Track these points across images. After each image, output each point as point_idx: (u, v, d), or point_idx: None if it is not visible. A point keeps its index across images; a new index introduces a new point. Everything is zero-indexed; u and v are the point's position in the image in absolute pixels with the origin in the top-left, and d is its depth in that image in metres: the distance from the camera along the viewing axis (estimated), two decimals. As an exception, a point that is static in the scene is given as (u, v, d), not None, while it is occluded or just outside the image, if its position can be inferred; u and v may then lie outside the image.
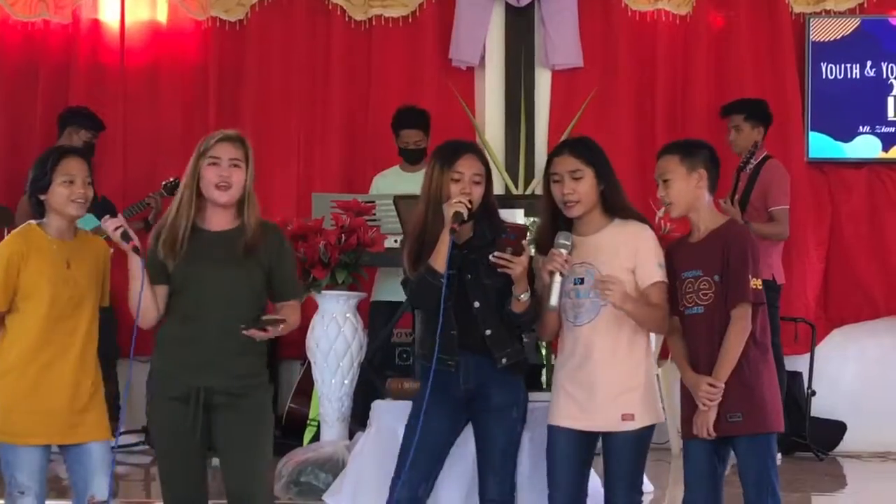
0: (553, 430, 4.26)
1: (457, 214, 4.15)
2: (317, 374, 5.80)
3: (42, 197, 4.27)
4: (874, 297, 7.79)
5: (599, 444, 4.28)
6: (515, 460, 4.34)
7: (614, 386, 4.18)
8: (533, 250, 4.34)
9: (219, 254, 4.11)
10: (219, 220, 4.18)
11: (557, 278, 4.11)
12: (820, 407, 7.45)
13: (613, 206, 4.26)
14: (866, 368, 7.84)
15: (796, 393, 7.35)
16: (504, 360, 4.27)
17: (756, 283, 4.12)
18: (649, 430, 4.24)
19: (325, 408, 5.77)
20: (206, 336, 4.08)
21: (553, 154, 4.33)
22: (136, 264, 4.08)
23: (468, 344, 4.26)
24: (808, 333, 7.51)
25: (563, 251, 4.12)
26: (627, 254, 4.20)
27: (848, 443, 7.54)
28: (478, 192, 4.26)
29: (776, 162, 7.13)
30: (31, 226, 4.31)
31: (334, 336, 5.70)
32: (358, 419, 5.84)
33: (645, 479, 5.76)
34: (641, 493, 4.27)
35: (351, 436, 5.63)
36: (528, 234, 4.29)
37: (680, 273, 4.21)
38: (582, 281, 4.20)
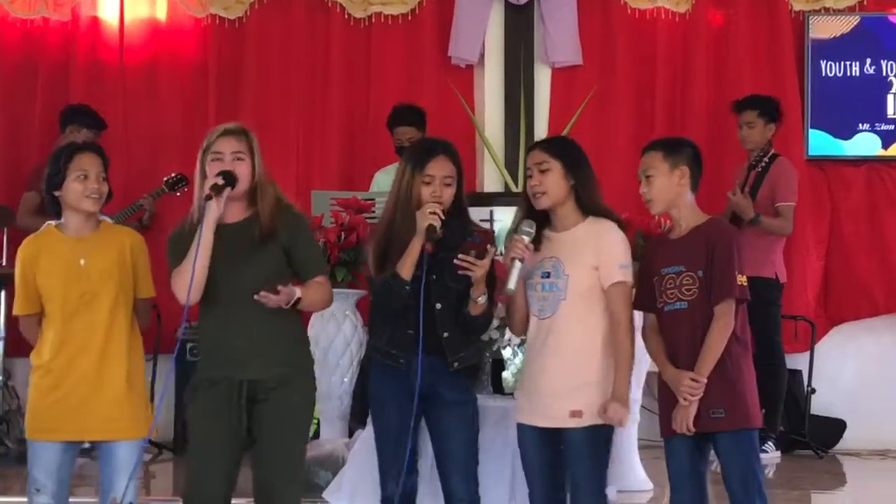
0: (518, 428, 4.26)
1: (430, 228, 4.16)
2: (316, 371, 5.79)
3: (57, 193, 4.27)
4: (873, 295, 7.79)
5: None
6: (477, 457, 4.32)
7: (563, 381, 4.14)
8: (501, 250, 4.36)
9: (235, 246, 4.09)
10: (232, 213, 4.14)
11: (517, 263, 4.14)
12: (819, 405, 7.44)
13: (586, 203, 4.25)
14: (866, 366, 7.83)
15: (796, 391, 7.34)
16: (456, 364, 4.28)
17: (741, 279, 4.10)
18: (606, 429, 4.15)
19: (324, 405, 5.77)
20: (240, 329, 4.06)
21: (527, 151, 4.40)
22: (209, 219, 4.02)
23: (424, 344, 4.21)
24: (807, 331, 7.51)
25: (526, 238, 4.15)
26: (591, 252, 4.18)
27: (847, 441, 7.53)
28: (448, 193, 4.28)
29: (786, 160, 7.14)
30: (49, 227, 4.33)
31: (334, 334, 5.70)
32: (357, 417, 5.83)
33: (644, 476, 5.79)
34: (605, 496, 4.17)
35: (350, 434, 5.63)
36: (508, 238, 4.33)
37: (659, 269, 4.18)
38: (548, 275, 4.19)
